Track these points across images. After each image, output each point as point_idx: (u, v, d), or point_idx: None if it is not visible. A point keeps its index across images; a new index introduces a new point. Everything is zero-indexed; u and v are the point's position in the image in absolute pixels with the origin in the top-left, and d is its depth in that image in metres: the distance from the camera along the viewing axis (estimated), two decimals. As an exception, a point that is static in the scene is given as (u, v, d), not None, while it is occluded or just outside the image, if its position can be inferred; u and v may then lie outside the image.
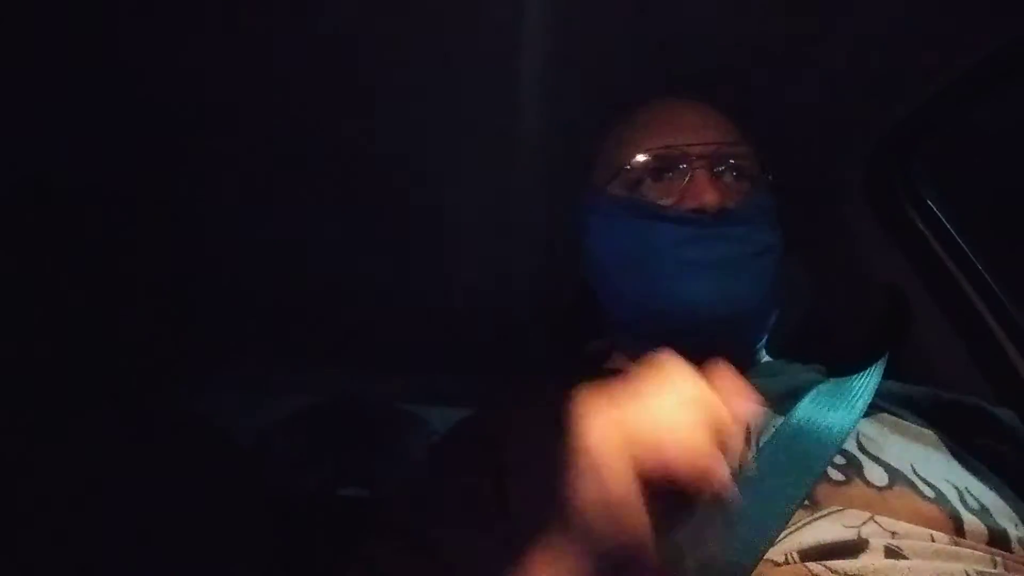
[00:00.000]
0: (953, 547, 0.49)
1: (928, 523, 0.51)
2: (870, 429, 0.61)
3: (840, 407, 0.60)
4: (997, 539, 0.51)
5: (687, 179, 0.67)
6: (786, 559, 0.47)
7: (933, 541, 0.49)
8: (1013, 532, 0.52)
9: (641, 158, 0.69)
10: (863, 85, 0.87)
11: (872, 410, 0.63)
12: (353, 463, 1.56)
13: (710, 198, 0.65)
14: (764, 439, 0.57)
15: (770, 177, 0.73)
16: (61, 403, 0.82)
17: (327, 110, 0.89)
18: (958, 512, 0.52)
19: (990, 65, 0.79)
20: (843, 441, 0.57)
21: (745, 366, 0.68)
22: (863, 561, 0.46)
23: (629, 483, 0.51)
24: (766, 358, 0.74)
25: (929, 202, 0.94)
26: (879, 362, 0.69)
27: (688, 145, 0.67)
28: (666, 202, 0.67)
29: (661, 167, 0.68)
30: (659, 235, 0.66)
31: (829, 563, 0.46)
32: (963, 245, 0.90)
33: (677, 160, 0.68)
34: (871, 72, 0.85)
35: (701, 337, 0.64)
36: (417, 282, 1.26)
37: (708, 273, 0.64)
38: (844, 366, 0.69)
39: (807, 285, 1.11)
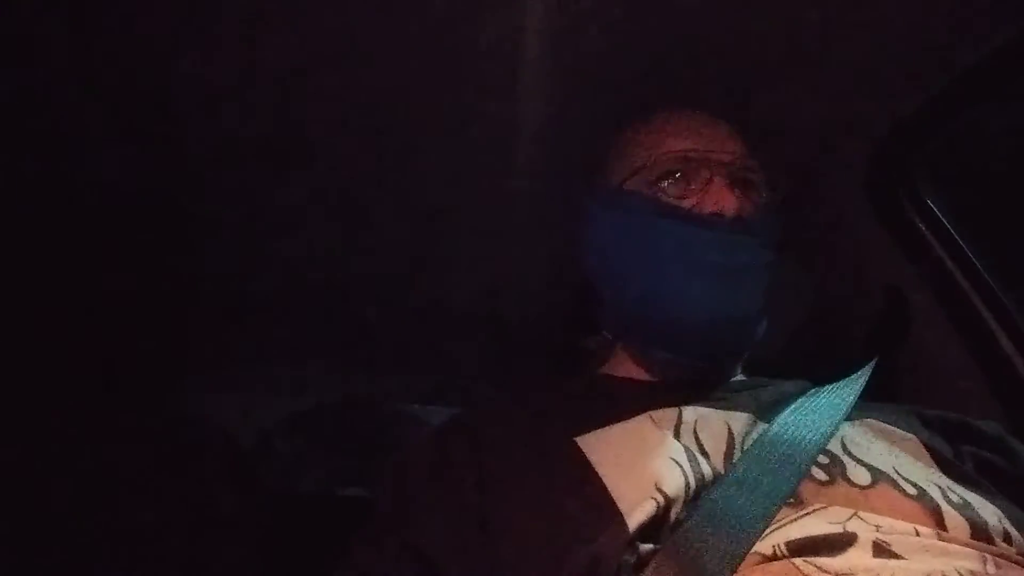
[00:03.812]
0: (940, 542, 0.49)
1: (911, 518, 0.52)
2: (855, 433, 0.63)
3: (824, 412, 0.62)
4: (979, 532, 0.52)
5: (706, 184, 0.68)
6: (774, 552, 0.48)
7: (918, 535, 0.50)
8: (995, 525, 0.53)
9: (663, 158, 0.69)
10: (863, 85, 0.87)
11: (857, 416, 0.65)
12: (353, 463, 1.56)
13: (729, 204, 0.66)
14: (749, 443, 0.59)
15: (781, 197, 0.74)
16: (61, 403, 0.82)
17: (327, 110, 0.90)
18: (939, 506, 0.53)
19: (990, 65, 0.79)
20: (827, 442, 0.59)
21: (728, 376, 0.71)
22: (852, 559, 0.47)
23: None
24: (742, 376, 0.75)
25: (929, 202, 0.94)
26: (866, 368, 0.71)
27: (709, 151, 0.68)
28: (685, 204, 0.68)
29: (682, 169, 0.69)
30: (676, 234, 0.66)
31: (818, 561, 0.47)
32: (963, 245, 0.90)
33: (698, 164, 0.68)
34: (871, 72, 0.85)
35: (701, 340, 0.66)
36: (417, 282, 1.26)
37: (720, 276, 0.65)
38: (835, 369, 0.70)
39: (807, 286, 1.11)
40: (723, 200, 0.66)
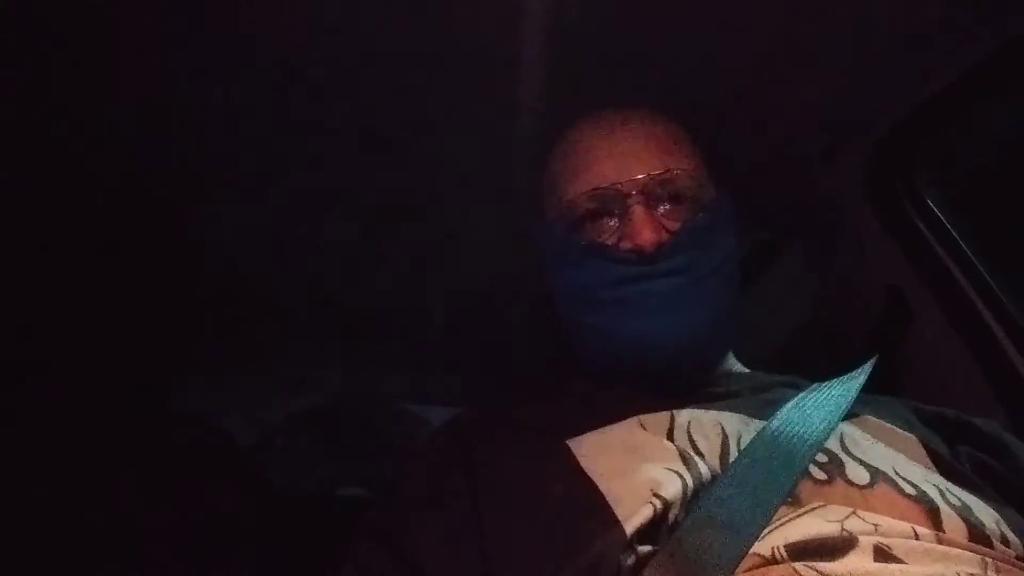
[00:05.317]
0: (940, 546, 0.49)
1: (909, 518, 0.51)
2: (853, 431, 0.62)
3: (823, 409, 0.62)
4: (977, 535, 0.51)
5: (623, 215, 0.67)
6: (773, 554, 0.48)
7: (917, 537, 0.50)
8: (994, 529, 0.52)
9: (577, 200, 0.69)
10: (863, 85, 0.87)
11: (856, 414, 0.64)
12: (353, 463, 1.56)
13: (645, 237, 0.64)
14: (746, 441, 0.58)
15: (718, 180, 0.72)
16: (60, 402, 0.82)
17: (327, 110, 0.90)
18: (938, 507, 0.53)
19: (990, 65, 0.79)
20: (825, 440, 0.58)
21: (710, 379, 0.70)
22: (853, 563, 0.47)
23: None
24: (742, 369, 0.75)
25: (929, 202, 0.94)
26: (865, 365, 0.71)
27: (618, 183, 0.67)
28: (608, 240, 0.68)
29: (595, 208, 0.68)
30: (600, 275, 0.66)
31: (819, 566, 0.46)
32: (963, 245, 0.90)
33: (610, 200, 0.67)
34: (871, 72, 0.85)
35: (653, 369, 0.65)
36: (418, 282, 1.26)
37: (652, 311, 0.64)
38: (835, 368, 0.70)
39: (808, 285, 1.11)
40: (638, 233, 0.65)
